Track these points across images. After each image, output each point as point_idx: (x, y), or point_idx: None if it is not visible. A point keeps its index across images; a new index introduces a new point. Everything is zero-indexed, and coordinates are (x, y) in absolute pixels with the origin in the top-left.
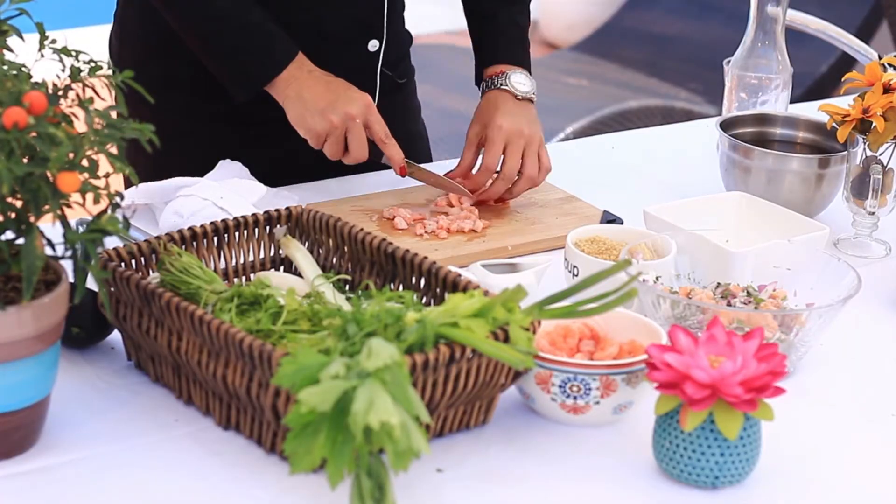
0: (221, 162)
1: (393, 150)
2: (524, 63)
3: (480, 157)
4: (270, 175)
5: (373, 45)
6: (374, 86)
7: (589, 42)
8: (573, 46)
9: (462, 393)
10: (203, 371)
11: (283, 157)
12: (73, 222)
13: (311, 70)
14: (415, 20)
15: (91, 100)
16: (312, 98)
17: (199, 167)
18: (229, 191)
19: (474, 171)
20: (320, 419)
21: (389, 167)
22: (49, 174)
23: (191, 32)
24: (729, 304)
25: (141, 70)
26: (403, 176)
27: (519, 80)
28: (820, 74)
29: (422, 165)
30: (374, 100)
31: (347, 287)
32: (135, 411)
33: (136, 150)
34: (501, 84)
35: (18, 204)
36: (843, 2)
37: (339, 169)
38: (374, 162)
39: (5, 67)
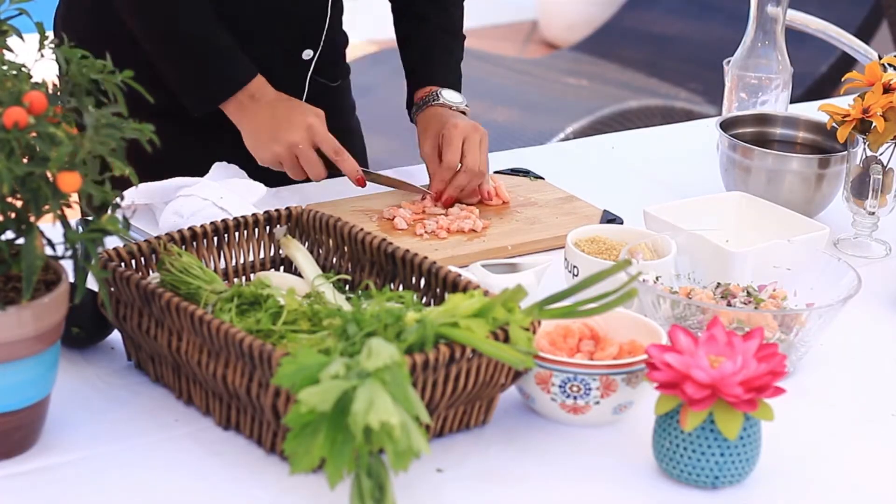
0: (216, 164)
1: (346, 165)
2: (456, 87)
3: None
4: (270, 175)
5: (307, 54)
6: (302, 91)
7: (589, 42)
8: (573, 46)
9: (462, 393)
10: (203, 371)
11: None
12: (73, 222)
13: (255, 97)
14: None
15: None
16: (256, 129)
17: (197, 168)
18: (229, 191)
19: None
20: (320, 419)
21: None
22: (49, 174)
23: (152, 44)
24: (729, 304)
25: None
26: (362, 185)
27: (449, 95)
28: (820, 74)
29: (380, 172)
30: None
31: (347, 287)
32: (135, 411)
33: (135, 152)
34: (434, 101)
35: (18, 204)
36: (843, 2)
37: (338, 169)
38: (339, 173)
39: (5, 67)
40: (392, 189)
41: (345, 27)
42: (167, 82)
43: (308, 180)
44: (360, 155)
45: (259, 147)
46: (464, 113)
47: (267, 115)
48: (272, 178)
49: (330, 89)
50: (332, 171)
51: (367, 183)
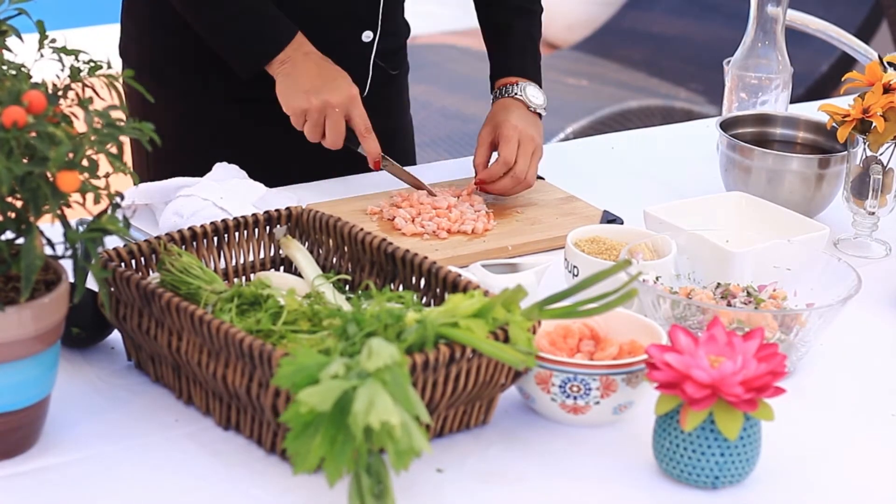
0: (217, 165)
1: (370, 144)
2: (536, 78)
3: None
4: (270, 175)
5: (366, 35)
6: (367, 76)
7: (589, 42)
8: (573, 46)
9: (462, 393)
10: (203, 371)
11: (283, 148)
12: (73, 222)
13: (308, 52)
14: (415, 19)
15: (91, 99)
16: (300, 78)
17: (204, 151)
18: (229, 191)
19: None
20: (320, 419)
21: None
22: (49, 174)
23: (193, 12)
24: (729, 305)
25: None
26: (377, 170)
27: (533, 93)
28: (820, 74)
29: (398, 164)
30: (364, 90)
31: (347, 287)
32: (135, 411)
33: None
34: (516, 93)
35: (18, 204)
36: (843, 2)
37: (339, 169)
38: (354, 150)
39: (4, 67)
40: (393, 188)
41: None
42: (215, 50)
43: (338, 164)
44: (409, 152)
45: (293, 95)
46: (539, 115)
47: (312, 68)
48: (272, 178)
49: (391, 79)
50: (349, 143)
51: (382, 169)
